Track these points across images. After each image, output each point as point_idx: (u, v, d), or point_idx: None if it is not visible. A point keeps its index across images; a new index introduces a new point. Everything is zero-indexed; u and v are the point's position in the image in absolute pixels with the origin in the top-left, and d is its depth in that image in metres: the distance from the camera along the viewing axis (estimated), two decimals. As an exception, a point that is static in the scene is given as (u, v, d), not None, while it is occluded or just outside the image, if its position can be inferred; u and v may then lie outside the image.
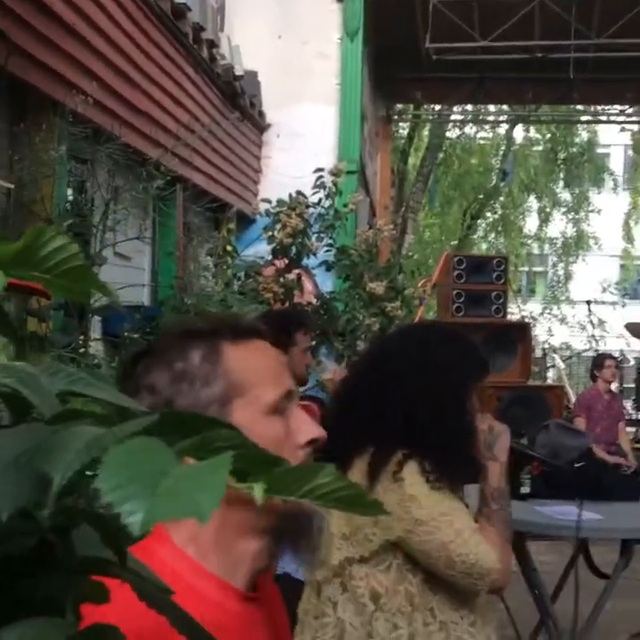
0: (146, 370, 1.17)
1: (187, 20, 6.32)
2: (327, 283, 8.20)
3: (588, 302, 12.18)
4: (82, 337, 3.70)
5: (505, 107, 14.80)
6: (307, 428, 1.21)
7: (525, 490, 3.65)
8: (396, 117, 13.14)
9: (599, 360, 8.44)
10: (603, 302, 18.65)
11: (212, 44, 7.14)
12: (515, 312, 19.91)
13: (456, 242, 20.36)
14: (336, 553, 2.07)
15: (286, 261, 6.99)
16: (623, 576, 4.86)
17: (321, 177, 6.87)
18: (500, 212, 21.17)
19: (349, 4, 9.49)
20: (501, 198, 20.79)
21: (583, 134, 19.97)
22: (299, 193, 6.89)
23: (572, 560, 4.05)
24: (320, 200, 6.90)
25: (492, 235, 21.45)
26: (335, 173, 6.85)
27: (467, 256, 8.25)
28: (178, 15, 6.10)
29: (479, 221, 21.34)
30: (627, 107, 12.30)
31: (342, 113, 9.51)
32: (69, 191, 4.53)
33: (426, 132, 19.26)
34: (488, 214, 21.25)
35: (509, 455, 2.22)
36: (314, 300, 7.44)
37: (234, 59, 7.85)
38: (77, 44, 4.41)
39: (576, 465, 3.76)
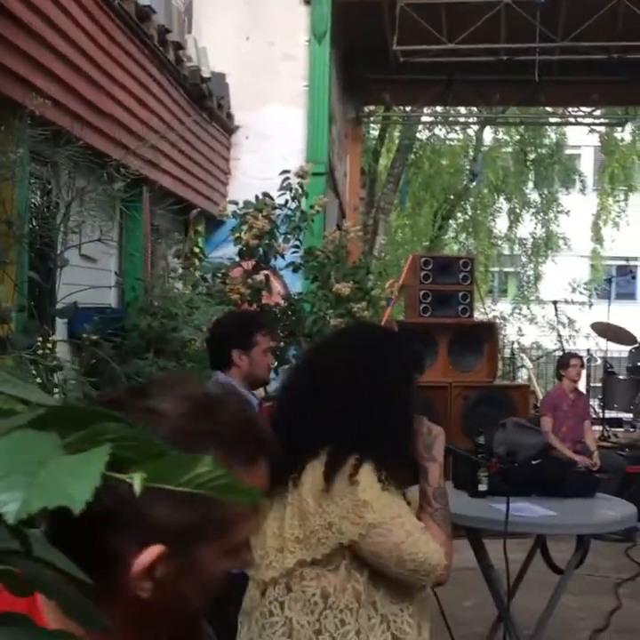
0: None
1: (151, 22, 6.33)
2: (296, 284, 8.24)
3: (555, 302, 12.29)
4: (40, 339, 3.70)
5: (475, 108, 14.87)
6: (246, 560, 1.11)
7: (483, 487, 3.69)
8: (365, 119, 13.16)
9: (564, 359, 8.51)
10: (572, 302, 18.78)
11: (179, 46, 7.15)
12: (485, 312, 20.06)
13: (427, 243, 20.43)
14: (289, 556, 2.13)
15: (253, 263, 7.02)
16: (586, 573, 4.93)
17: (287, 179, 6.90)
18: (470, 213, 21.26)
19: (317, 6, 9.53)
20: (471, 199, 20.88)
21: (552, 136, 20.10)
22: (265, 194, 6.91)
23: (528, 556, 4.12)
24: (286, 202, 6.92)
25: (463, 235, 21.54)
26: (301, 175, 6.88)
27: (433, 257, 8.31)
28: (142, 17, 6.11)
29: (450, 222, 21.43)
30: (592, 108, 12.43)
31: (310, 115, 9.55)
32: (32, 194, 4.54)
33: (397, 133, 19.31)
34: (459, 215, 21.34)
35: (445, 456, 2.30)
36: (282, 302, 7.47)
37: (200, 61, 7.86)
38: (37, 45, 4.42)
39: (533, 462, 3.82)
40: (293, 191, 6.87)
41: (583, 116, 13.31)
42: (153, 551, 0.98)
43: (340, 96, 11.45)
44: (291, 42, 9.57)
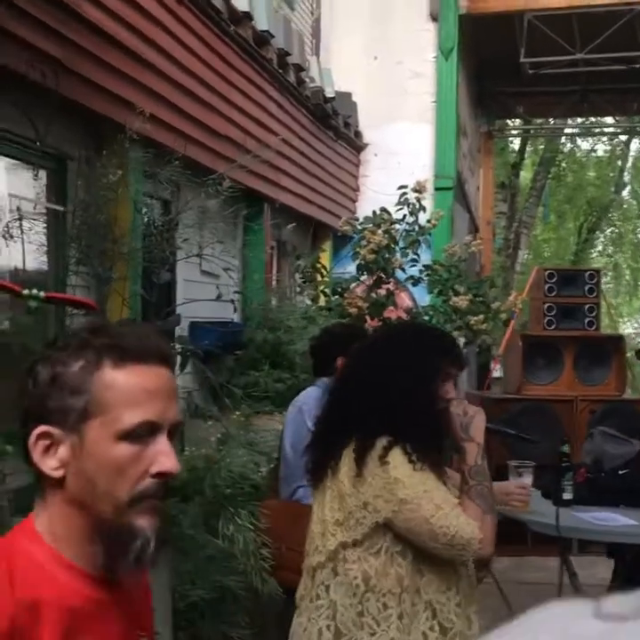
0: (44, 360, 1.29)
1: (271, 46, 6.56)
2: (426, 297, 8.30)
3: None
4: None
5: (616, 118, 14.53)
6: (162, 461, 1.27)
7: (568, 496, 3.67)
8: (497, 132, 13.10)
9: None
10: None
11: (300, 68, 7.36)
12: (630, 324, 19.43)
13: (571, 257, 20.05)
14: (331, 539, 2.21)
15: (374, 278, 7.12)
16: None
17: (405, 194, 6.99)
18: (617, 225, 20.75)
19: (444, 22, 9.61)
20: (618, 211, 20.38)
21: None
22: (383, 209, 7.02)
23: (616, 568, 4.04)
24: (405, 216, 7.00)
25: (610, 248, 21.02)
26: (418, 190, 6.94)
27: (558, 269, 8.19)
28: (260, 42, 6.34)
29: (597, 234, 20.97)
30: None
31: (438, 130, 9.61)
32: (146, 212, 4.80)
33: (540, 146, 19.07)
34: (605, 227, 20.85)
35: (486, 434, 2.33)
36: (404, 315, 7.53)
37: (324, 81, 8.06)
38: (147, 71, 4.69)
39: (620, 472, 3.77)
40: (410, 206, 6.94)
41: None
42: (37, 430, 1.25)
43: (471, 110, 11.46)
44: (418, 59, 9.68)
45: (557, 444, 3.91)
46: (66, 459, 1.26)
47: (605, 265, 20.76)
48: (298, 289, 7.71)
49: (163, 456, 1.27)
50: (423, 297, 8.31)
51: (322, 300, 7.06)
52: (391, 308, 7.28)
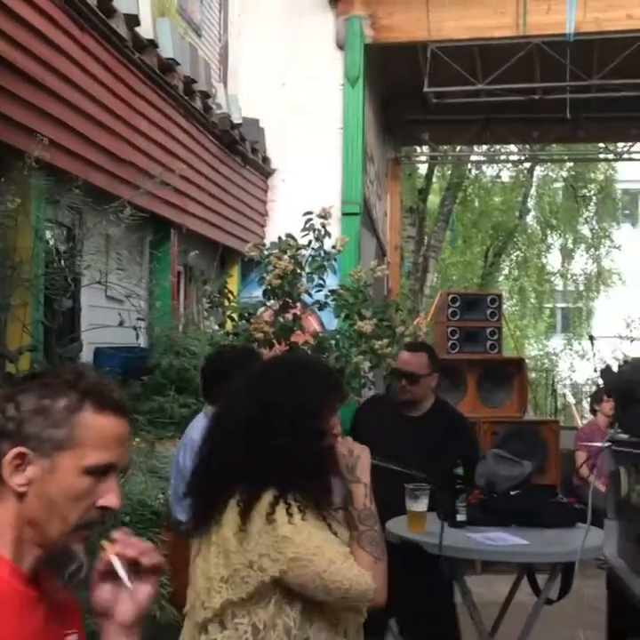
0: (27, 391, 1.51)
1: (176, 73, 6.60)
2: (334, 322, 8.38)
3: (591, 337, 12.26)
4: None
5: (515, 147, 14.96)
6: (110, 497, 1.52)
7: (462, 517, 3.78)
8: (405, 159, 13.35)
9: (598, 394, 8.51)
10: (627, 338, 18.60)
11: (206, 95, 7.42)
12: (538, 348, 19.89)
13: (478, 280, 20.48)
14: (216, 596, 2.15)
15: (280, 302, 7.18)
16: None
17: (310, 220, 7.08)
18: (523, 250, 21.29)
19: (350, 51, 9.78)
20: (523, 236, 20.91)
21: (603, 170, 20.09)
22: (288, 235, 7.10)
23: (513, 586, 4.17)
24: (310, 242, 7.09)
25: (516, 272, 21.54)
26: (323, 216, 7.05)
27: (461, 294, 8.42)
28: (165, 69, 6.38)
29: (502, 258, 21.47)
30: (631, 143, 12.45)
31: (345, 157, 9.75)
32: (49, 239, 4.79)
33: (448, 171, 19.48)
34: (511, 251, 21.37)
35: (372, 472, 2.30)
36: (311, 340, 7.60)
37: (231, 107, 8.13)
38: (45, 95, 4.68)
39: (511, 493, 3.90)
40: (316, 232, 7.04)
41: (629, 151, 13.31)
42: (16, 449, 1.47)
43: (378, 136, 11.66)
44: (325, 86, 9.81)
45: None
46: (32, 479, 1.47)
47: (511, 288, 21.27)
48: (205, 314, 7.73)
49: (112, 493, 1.52)
50: (331, 321, 8.40)
51: (229, 326, 7.09)
52: (298, 331, 7.35)
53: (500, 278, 22.14)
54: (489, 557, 3.77)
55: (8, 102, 4.29)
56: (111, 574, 1.52)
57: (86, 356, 5.86)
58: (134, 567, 1.53)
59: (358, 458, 2.29)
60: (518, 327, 21.89)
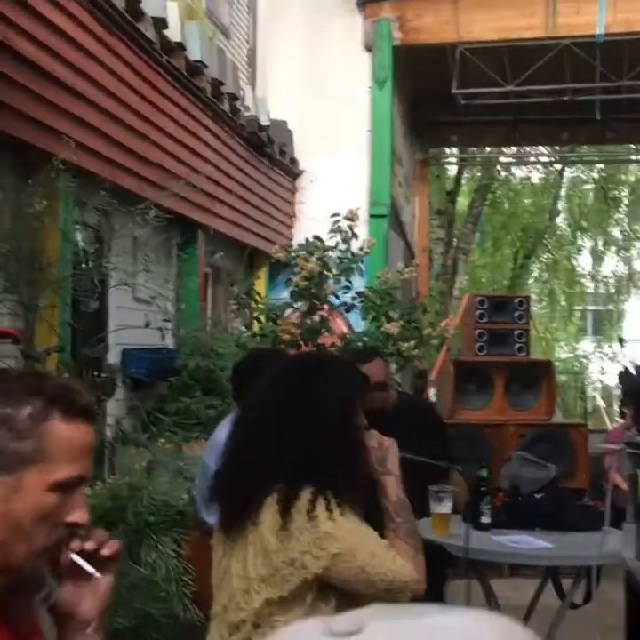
0: None
1: (204, 75, 6.63)
2: (362, 324, 8.38)
3: (621, 340, 12.16)
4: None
5: (545, 148, 14.88)
6: (77, 513, 1.36)
7: (486, 520, 3.76)
8: (433, 160, 13.33)
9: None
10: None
11: (234, 97, 7.44)
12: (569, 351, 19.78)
13: (507, 282, 20.37)
14: (255, 596, 2.12)
15: (308, 304, 7.18)
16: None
17: (337, 222, 7.08)
18: (553, 252, 21.15)
19: (378, 53, 9.78)
20: (553, 238, 20.78)
21: (635, 171, 19.93)
22: (315, 237, 7.11)
23: (538, 589, 4.14)
24: (337, 244, 7.10)
25: (546, 274, 21.41)
26: (350, 218, 7.05)
27: (489, 296, 8.36)
28: (193, 72, 6.42)
29: (532, 260, 21.35)
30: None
31: (373, 159, 9.75)
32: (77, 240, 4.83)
33: (478, 174, 19.40)
34: (541, 254, 21.25)
35: (401, 466, 2.29)
36: (338, 341, 7.60)
37: (259, 109, 8.15)
38: (83, 105, 4.74)
39: (536, 496, 3.88)
40: (343, 234, 7.04)
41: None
42: None
43: (406, 138, 11.65)
44: (353, 88, 9.82)
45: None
46: None
47: (541, 291, 21.15)
48: (232, 315, 7.76)
49: (79, 508, 1.37)
50: (359, 323, 8.40)
51: (256, 327, 7.11)
52: (326, 333, 7.35)
53: (530, 281, 22.00)
54: (513, 560, 3.75)
55: (36, 105, 4.33)
56: (71, 573, 1.41)
57: (114, 356, 5.91)
58: (92, 559, 1.41)
59: (388, 450, 2.29)
60: (548, 330, 21.76)
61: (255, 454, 2.21)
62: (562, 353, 22.93)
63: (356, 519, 2.15)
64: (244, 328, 7.32)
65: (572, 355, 21.50)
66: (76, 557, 1.39)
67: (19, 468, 1.31)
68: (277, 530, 2.09)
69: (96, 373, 4.57)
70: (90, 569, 1.39)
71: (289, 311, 7.47)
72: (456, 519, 3.73)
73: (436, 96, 11.32)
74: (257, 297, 7.76)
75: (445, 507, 3.61)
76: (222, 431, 3.90)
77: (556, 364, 20.94)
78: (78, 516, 1.36)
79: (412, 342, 7.03)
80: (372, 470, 2.27)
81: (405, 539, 2.21)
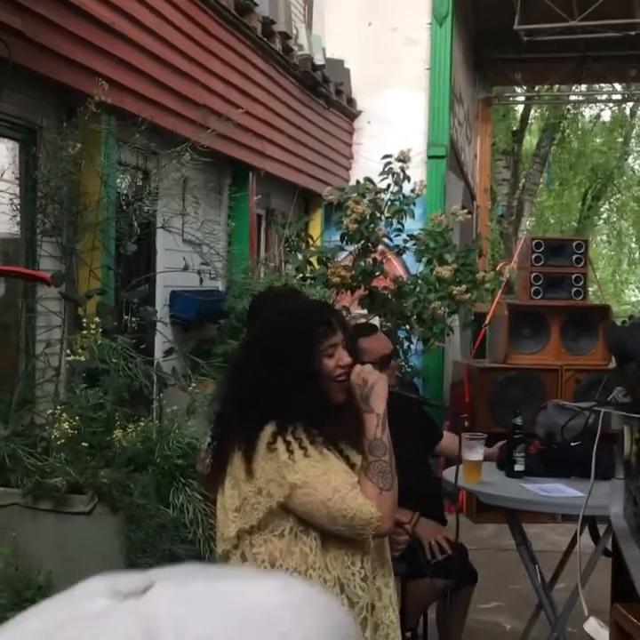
0: None
1: (254, 14, 6.54)
2: (418, 266, 8.31)
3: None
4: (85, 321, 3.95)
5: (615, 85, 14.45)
6: None
7: (519, 467, 3.72)
8: (496, 99, 13.04)
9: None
10: None
11: (286, 36, 7.34)
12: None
13: (575, 223, 19.98)
14: (231, 525, 2.22)
15: (360, 247, 7.13)
16: None
17: (389, 163, 6.99)
18: (623, 193, 20.64)
19: (438, -12, 9.54)
20: (624, 178, 20.26)
21: None
22: (366, 179, 7.03)
23: (574, 538, 4.09)
24: (389, 186, 7.01)
25: (615, 216, 20.94)
26: (402, 159, 6.94)
27: (545, 239, 8.19)
28: (243, 11, 6.33)
29: (601, 201, 20.87)
30: None
31: (432, 98, 9.58)
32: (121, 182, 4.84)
33: (546, 112, 18.95)
34: (610, 195, 20.75)
35: (388, 398, 2.30)
36: (391, 285, 7.54)
37: (313, 48, 8.03)
38: (124, 45, 4.71)
39: (572, 444, 3.81)
40: (395, 175, 6.94)
41: None
42: None
43: (468, 77, 11.41)
44: (412, 25, 9.62)
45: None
46: None
47: (610, 233, 20.70)
48: (284, 258, 7.74)
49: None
50: (416, 266, 8.33)
51: (308, 270, 7.09)
52: (380, 276, 7.31)
53: (600, 222, 21.54)
54: (542, 509, 3.70)
55: (77, 46, 4.32)
56: None
57: (162, 299, 5.95)
58: None
59: (373, 387, 2.28)
60: (616, 272, 21.36)
61: (235, 393, 2.34)
62: (633, 296, 22.52)
63: (324, 455, 2.21)
64: (294, 271, 7.30)
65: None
66: None
67: None
68: (245, 462, 2.20)
69: (136, 317, 4.58)
70: None
71: (342, 255, 7.44)
72: (489, 466, 3.70)
73: (498, 33, 11.03)
74: (309, 239, 7.73)
75: (477, 454, 3.59)
76: None
77: (626, 307, 20.55)
78: None
79: (464, 286, 6.95)
80: (356, 407, 2.29)
81: (373, 477, 2.23)
